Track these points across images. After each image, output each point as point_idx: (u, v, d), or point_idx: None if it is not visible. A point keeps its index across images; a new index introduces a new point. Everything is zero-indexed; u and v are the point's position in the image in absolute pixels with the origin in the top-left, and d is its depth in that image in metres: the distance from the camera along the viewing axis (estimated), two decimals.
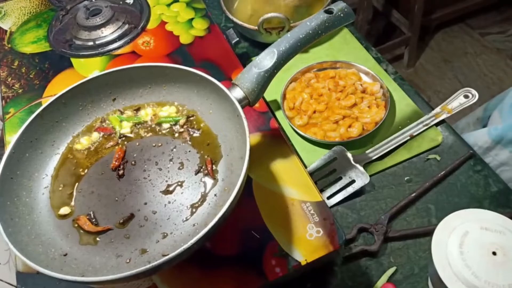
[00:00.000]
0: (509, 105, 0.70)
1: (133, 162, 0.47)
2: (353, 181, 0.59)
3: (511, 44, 1.88)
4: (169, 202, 0.44)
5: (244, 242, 0.46)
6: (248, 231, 0.46)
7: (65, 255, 0.41)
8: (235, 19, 0.76)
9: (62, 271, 0.37)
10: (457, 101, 0.66)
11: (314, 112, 0.67)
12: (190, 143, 0.48)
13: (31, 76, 0.64)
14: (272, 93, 0.70)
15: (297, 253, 0.45)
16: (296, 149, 0.65)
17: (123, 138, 0.49)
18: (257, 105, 0.50)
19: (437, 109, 0.66)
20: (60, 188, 0.45)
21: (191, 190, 0.44)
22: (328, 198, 0.59)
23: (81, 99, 0.49)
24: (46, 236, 0.42)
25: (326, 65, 0.72)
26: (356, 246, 0.54)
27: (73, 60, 0.66)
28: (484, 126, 0.78)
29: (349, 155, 0.61)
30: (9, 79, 0.64)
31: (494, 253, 0.42)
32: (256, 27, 0.73)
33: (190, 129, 0.49)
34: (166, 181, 0.45)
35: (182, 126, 0.49)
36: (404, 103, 0.68)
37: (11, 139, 0.43)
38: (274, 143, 0.53)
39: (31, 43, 0.69)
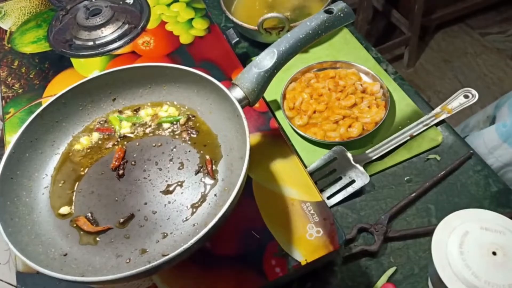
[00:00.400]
0: None
1: (133, 162, 0.47)
2: (353, 181, 0.59)
3: (511, 44, 1.88)
4: (169, 202, 0.44)
5: (244, 242, 0.46)
6: (248, 231, 0.46)
7: (65, 255, 0.41)
8: (235, 19, 0.76)
9: (62, 271, 0.37)
10: (457, 101, 0.66)
11: (314, 112, 0.67)
12: (190, 143, 0.48)
13: (31, 76, 0.64)
14: (272, 93, 0.70)
15: (297, 253, 0.45)
16: (296, 149, 0.64)
17: (123, 138, 0.49)
18: (257, 105, 0.50)
19: (437, 109, 0.66)
20: (60, 188, 0.45)
21: (191, 190, 0.44)
22: (328, 198, 0.59)
23: (81, 99, 0.49)
24: (46, 236, 0.42)
25: (326, 65, 0.72)
26: (356, 246, 0.54)
27: (73, 60, 0.66)
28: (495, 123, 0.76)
29: (349, 155, 0.61)
30: (9, 79, 0.64)
31: (494, 253, 0.42)
32: (256, 27, 0.73)
33: (190, 129, 0.49)
34: (166, 181, 0.45)
35: (182, 126, 0.49)
36: (404, 103, 0.68)
37: (11, 139, 0.43)
38: (274, 143, 0.53)
39: (31, 43, 0.69)
